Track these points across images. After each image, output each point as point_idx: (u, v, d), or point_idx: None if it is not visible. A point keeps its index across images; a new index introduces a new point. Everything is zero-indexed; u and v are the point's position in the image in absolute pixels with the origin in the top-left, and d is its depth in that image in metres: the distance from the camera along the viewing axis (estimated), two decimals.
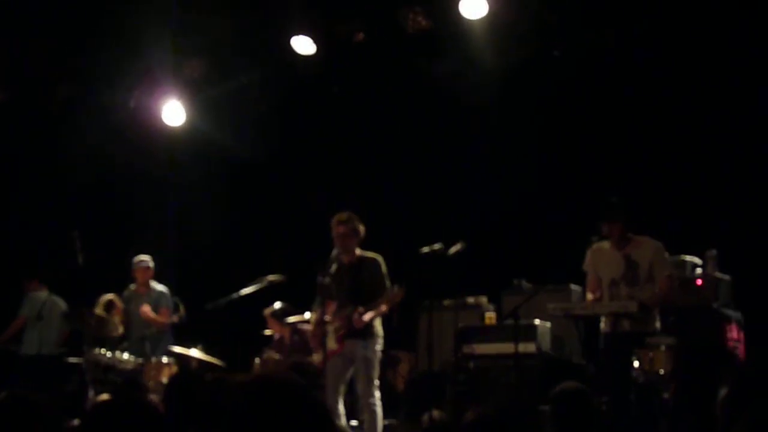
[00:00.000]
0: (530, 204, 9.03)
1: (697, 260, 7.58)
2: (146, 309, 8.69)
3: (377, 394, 7.10)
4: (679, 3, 8.11)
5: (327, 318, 7.11)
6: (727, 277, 7.46)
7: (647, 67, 8.54)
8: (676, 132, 8.34)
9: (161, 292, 8.93)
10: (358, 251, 7.23)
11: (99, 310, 8.57)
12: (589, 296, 6.76)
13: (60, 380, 8.84)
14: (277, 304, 9.05)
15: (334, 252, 7.19)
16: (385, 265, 7.17)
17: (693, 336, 6.57)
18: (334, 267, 7.17)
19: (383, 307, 7.06)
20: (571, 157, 8.91)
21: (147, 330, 8.59)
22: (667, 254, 6.63)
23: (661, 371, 6.08)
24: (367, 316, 6.99)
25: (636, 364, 6.23)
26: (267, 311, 9.05)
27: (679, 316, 6.86)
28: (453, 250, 7.08)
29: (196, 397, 4.38)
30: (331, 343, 7.11)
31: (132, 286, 8.99)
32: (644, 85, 8.54)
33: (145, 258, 8.94)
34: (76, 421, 5.79)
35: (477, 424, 4.42)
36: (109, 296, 8.73)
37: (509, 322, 6.83)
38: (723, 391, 3.35)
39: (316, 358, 7.16)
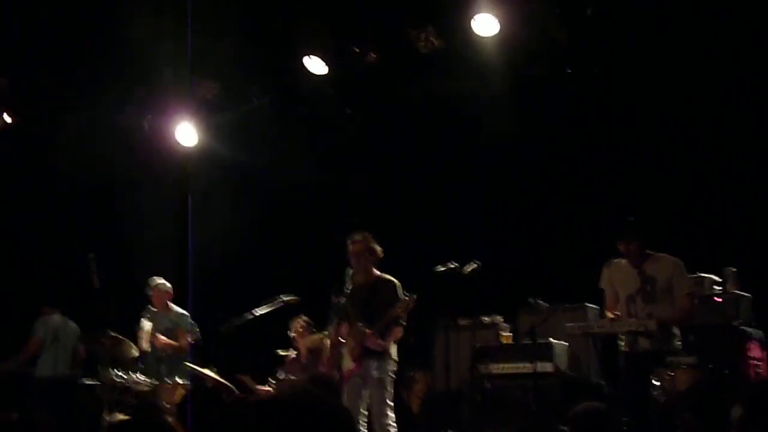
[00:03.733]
0: (545, 222, 8.99)
1: (716, 278, 7.52)
2: (161, 338, 8.68)
3: (391, 414, 7.06)
4: (691, 15, 8.07)
5: (342, 339, 7.07)
6: (747, 295, 7.40)
7: (662, 82, 8.51)
8: (694, 149, 8.29)
9: (181, 314, 8.94)
10: (375, 272, 7.20)
11: (145, 341, 8.62)
12: (608, 314, 6.70)
13: (75, 402, 8.82)
14: (300, 318, 8.98)
15: (350, 272, 7.16)
16: (402, 288, 7.13)
17: (714, 354, 6.49)
18: (349, 287, 7.14)
19: (398, 331, 7.03)
20: (586, 175, 8.87)
21: (164, 352, 8.58)
22: (685, 271, 6.57)
23: (682, 390, 6.01)
24: (380, 342, 6.96)
25: (656, 383, 6.16)
26: (295, 321, 8.94)
27: (699, 335, 6.80)
28: (468, 269, 7.06)
29: (214, 416, 4.36)
30: (348, 363, 7.07)
31: (150, 307, 8.99)
32: (660, 102, 8.51)
33: (161, 281, 8.96)
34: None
35: None
36: (146, 324, 8.75)
37: (527, 341, 6.77)
38: (737, 411, 3.31)
39: (332, 378, 7.10)
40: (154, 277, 8.99)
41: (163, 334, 8.73)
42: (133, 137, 10.41)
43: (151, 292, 8.94)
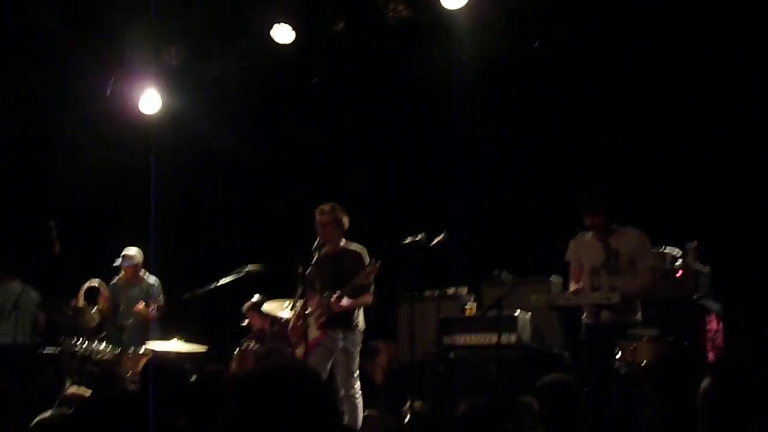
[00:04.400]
0: (511, 195, 9.03)
1: (677, 251, 7.62)
2: (141, 306, 8.61)
3: (357, 385, 7.10)
4: None
5: (309, 310, 7.07)
6: (706, 268, 7.51)
7: (627, 57, 8.54)
8: (657, 123, 8.35)
9: (152, 284, 8.88)
10: (342, 242, 7.20)
11: (81, 296, 8.50)
12: (573, 286, 6.78)
13: (35, 370, 8.72)
14: (255, 297, 9.00)
15: (317, 242, 7.15)
16: (368, 256, 7.14)
17: (674, 327, 6.59)
18: (316, 257, 7.13)
19: (366, 297, 7.05)
20: (552, 148, 8.91)
21: (127, 320, 8.51)
22: (650, 245, 6.65)
23: (644, 362, 6.10)
24: (345, 301, 6.96)
25: (618, 355, 6.25)
26: (246, 306, 8.99)
27: (659, 308, 6.90)
28: (435, 240, 7.07)
29: (176, 385, 4.36)
30: (313, 332, 7.08)
31: (121, 276, 8.91)
32: (625, 76, 8.55)
33: (131, 253, 8.87)
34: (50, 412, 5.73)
35: (470, 416, 4.43)
36: (94, 282, 8.66)
37: (492, 313, 6.82)
38: (704, 384, 3.38)
39: (299, 351, 7.11)
40: (127, 249, 8.90)
41: (134, 303, 8.66)
42: (96, 102, 10.22)
43: (120, 266, 8.86)
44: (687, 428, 4.04)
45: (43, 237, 8.43)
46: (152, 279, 8.96)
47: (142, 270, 9.02)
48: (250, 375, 2.08)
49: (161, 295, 8.82)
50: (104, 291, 8.72)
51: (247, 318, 9.13)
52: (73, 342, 8.12)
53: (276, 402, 2.00)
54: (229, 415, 2.05)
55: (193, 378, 4.19)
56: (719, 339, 7.29)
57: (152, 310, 8.68)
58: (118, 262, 8.91)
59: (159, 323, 8.85)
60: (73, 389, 6.58)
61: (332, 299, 6.98)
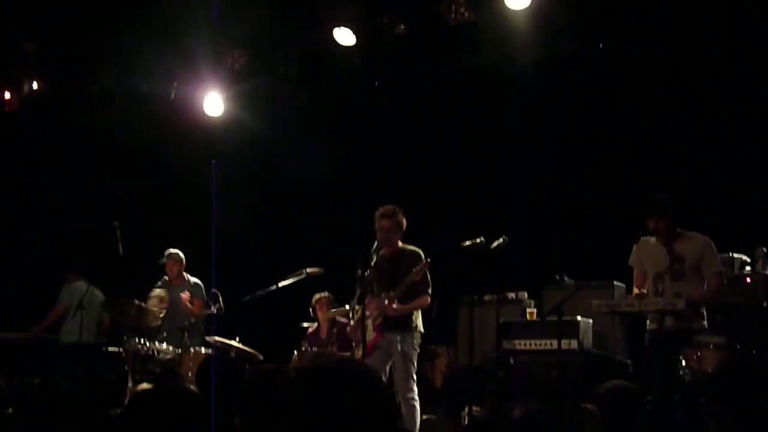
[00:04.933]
0: (573, 199, 8.91)
1: (745, 258, 7.43)
2: (185, 296, 8.79)
3: (415, 388, 7.03)
4: None
5: (368, 313, 7.04)
6: None
7: (693, 59, 8.36)
8: (725, 126, 8.16)
9: (195, 284, 9.05)
10: (399, 244, 7.17)
11: (153, 303, 8.66)
12: (636, 291, 6.63)
13: (99, 369, 8.88)
14: (322, 293, 8.99)
15: (376, 245, 7.12)
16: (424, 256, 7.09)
17: (743, 335, 6.41)
18: (374, 259, 7.11)
19: (423, 299, 7.00)
20: (616, 152, 8.76)
21: (186, 320, 8.62)
22: (716, 250, 6.48)
23: (709, 370, 5.94)
24: (396, 305, 6.92)
25: (683, 362, 6.09)
26: (318, 296, 8.96)
27: (727, 315, 6.72)
28: (495, 244, 6.99)
29: (235, 383, 4.37)
30: (370, 333, 7.05)
31: (166, 278, 9.05)
32: (691, 78, 8.37)
33: (175, 251, 9.03)
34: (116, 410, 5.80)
35: (524, 421, 4.34)
36: (158, 292, 8.83)
37: (553, 318, 6.71)
38: None
39: (358, 353, 7.09)
40: (170, 249, 9.04)
41: (178, 303, 8.79)
42: (160, 105, 10.38)
43: (164, 262, 9.00)
44: None
45: (107, 238, 8.57)
46: (194, 279, 9.12)
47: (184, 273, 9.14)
48: (310, 370, 2.05)
49: (220, 298, 8.87)
50: (165, 297, 8.88)
51: (315, 310, 9.09)
52: (136, 341, 8.24)
53: (335, 397, 1.97)
54: (289, 410, 2.02)
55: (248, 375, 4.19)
56: None
57: (213, 310, 8.73)
58: (163, 261, 9.04)
59: (219, 324, 8.92)
60: (143, 386, 6.67)
61: (385, 302, 6.95)
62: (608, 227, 8.10)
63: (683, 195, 6.81)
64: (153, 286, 9.05)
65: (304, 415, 1.98)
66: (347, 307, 8.38)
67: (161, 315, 8.73)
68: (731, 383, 4.02)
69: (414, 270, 6.86)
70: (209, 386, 4.51)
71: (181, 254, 9.12)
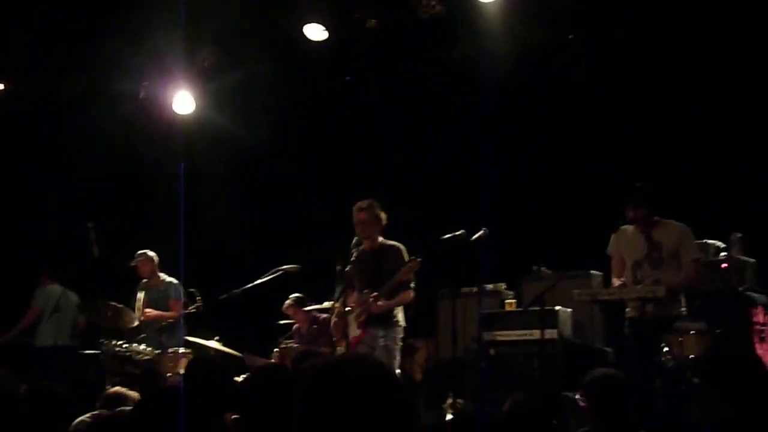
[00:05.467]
0: (549, 190, 8.96)
1: (720, 244, 7.52)
2: (148, 311, 8.65)
3: None
4: None
5: (348, 308, 7.03)
6: (752, 260, 7.41)
7: (664, 49, 8.45)
8: (698, 115, 8.25)
9: (170, 283, 8.91)
10: (380, 239, 7.16)
11: (137, 309, 8.62)
12: (615, 281, 6.69)
13: (76, 372, 8.79)
14: (294, 295, 8.98)
15: (355, 240, 7.12)
16: (407, 253, 7.10)
17: (720, 320, 6.49)
18: (354, 255, 7.10)
19: (407, 294, 7.00)
20: (591, 142, 8.83)
21: (159, 323, 8.54)
22: (693, 237, 6.55)
23: (691, 356, 6.01)
24: (382, 302, 6.92)
25: (665, 349, 6.16)
26: (288, 303, 8.97)
27: (704, 300, 6.81)
28: (475, 236, 7.02)
29: (220, 382, 4.34)
30: (354, 330, 7.05)
31: (145, 280, 8.96)
32: (665, 67, 8.45)
33: (143, 252, 8.90)
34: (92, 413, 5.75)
35: (516, 412, 4.37)
36: (140, 296, 8.73)
37: (534, 308, 6.75)
38: None
39: (340, 348, 7.09)
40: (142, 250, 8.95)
41: (154, 304, 8.70)
42: (130, 104, 10.27)
43: (134, 263, 8.90)
44: (739, 423, 3.97)
45: (82, 239, 8.48)
46: (170, 279, 8.96)
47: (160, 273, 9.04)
48: (327, 368, 2.02)
49: (198, 296, 8.81)
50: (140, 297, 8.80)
51: (289, 315, 9.09)
52: (113, 343, 8.16)
53: (357, 394, 1.95)
54: (305, 410, 1.99)
55: (247, 374, 4.16)
56: (766, 331, 7.18)
57: (191, 309, 8.65)
58: (133, 263, 8.94)
59: (198, 323, 8.87)
60: (113, 389, 6.61)
61: (370, 300, 6.93)
62: (584, 217, 8.16)
63: (659, 183, 6.87)
64: (133, 289, 8.94)
65: (323, 414, 1.96)
66: (326, 304, 8.40)
67: (142, 318, 8.64)
68: (723, 366, 4.07)
69: (402, 269, 6.86)
70: (198, 387, 4.47)
71: (151, 253, 8.95)
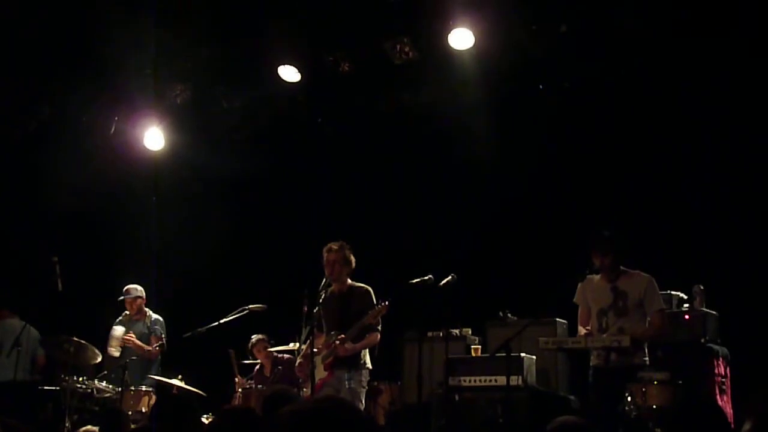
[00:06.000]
0: (516, 237, 9.04)
1: (683, 295, 7.63)
2: (131, 336, 8.59)
3: None
4: (667, 39, 8.18)
5: (316, 350, 7.01)
6: (713, 312, 7.52)
7: (633, 98, 8.62)
8: (663, 167, 8.42)
9: (156, 320, 8.87)
10: (348, 281, 7.18)
11: (113, 345, 8.53)
12: (581, 329, 6.75)
13: (35, 408, 8.64)
14: (258, 335, 8.98)
15: (324, 281, 7.13)
16: (375, 296, 7.11)
17: (682, 370, 6.57)
18: (323, 296, 7.10)
19: (373, 336, 7.01)
20: (558, 191, 8.95)
21: (129, 358, 8.44)
22: (657, 289, 6.64)
23: (654, 406, 6.07)
24: (349, 345, 6.92)
25: (628, 398, 6.21)
26: (254, 341, 8.95)
27: (667, 351, 6.88)
28: (443, 281, 7.05)
29: (190, 423, 4.30)
30: (321, 372, 7.03)
31: (127, 313, 8.87)
32: (632, 119, 8.62)
33: (133, 286, 8.86)
34: None
35: None
36: (118, 332, 8.63)
37: (501, 354, 6.77)
38: (746, 427, 3.35)
39: (306, 390, 7.05)
40: (129, 285, 8.88)
41: (138, 340, 8.63)
42: (100, 139, 10.23)
43: (123, 297, 8.84)
44: None
45: (46, 273, 8.38)
46: (155, 315, 8.92)
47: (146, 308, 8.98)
48: (306, 411, 2.04)
49: (164, 333, 8.76)
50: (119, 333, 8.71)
51: (254, 354, 9.06)
52: (73, 380, 8.04)
53: None
54: None
55: (215, 417, 4.13)
56: (727, 384, 7.27)
57: (155, 347, 8.63)
58: (122, 297, 8.87)
59: (160, 361, 8.80)
60: (84, 429, 6.53)
61: (337, 343, 6.93)
62: (550, 265, 8.24)
63: (625, 233, 6.97)
64: (97, 324, 8.84)
65: None
66: (291, 345, 8.38)
67: (118, 354, 8.54)
68: (687, 418, 4.11)
69: (369, 313, 6.87)
70: (166, 426, 4.43)
71: (140, 288, 8.92)
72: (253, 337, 9.05)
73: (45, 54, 9.35)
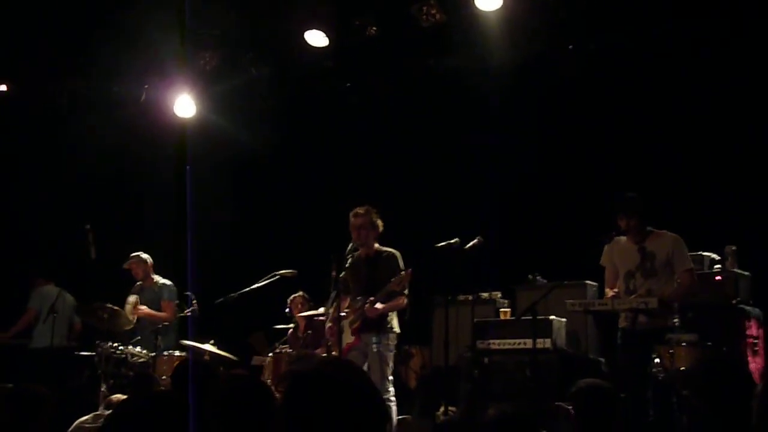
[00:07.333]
0: (544, 199, 8.98)
1: (715, 256, 7.52)
2: (141, 308, 8.68)
3: (391, 389, 7.05)
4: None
5: (343, 313, 7.05)
6: (746, 273, 7.41)
7: (663, 60, 8.47)
8: (694, 126, 8.26)
9: (163, 285, 8.94)
10: (375, 245, 7.18)
11: (128, 310, 8.61)
12: (608, 291, 6.70)
13: (72, 373, 8.81)
14: (299, 292, 9.03)
15: (351, 246, 7.14)
16: (402, 260, 7.12)
17: (713, 333, 6.49)
18: (350, 260, 7.11)
19: (400, 300, 7.01)
20: (586, 152, 8.84)
21: (147, 322, 8.57)
22: (686, 248, 6.56)
23: (682, 368, 6.01)
24: (379, 305, 6.93)
25: (656, 360, 6.17)
26: (293, 296, 9.01)
27: (698, 312, 6.81)
28: (469, 244, 7.04)
29: (211, 387, 4.35)
30: (348, 337, 7.06)
31: (138, 283, 8.98)
32: (661, 79, 8.47)
33: (136, 253, 8.94)
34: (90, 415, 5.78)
35: (499, 421, 4.37)
36: (132, 299, 8.75)
37: (527, 317, 6.76)
38: (759, 387, 3.32)
39: (335, 353, 7.10)
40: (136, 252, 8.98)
41: (148, 306, 8.73)
42: (130, 107, 10.31)
43: (127, 266, 8.92)
44: None
45: (79, 241, 8.50)
46: (163, 280, 8.98)
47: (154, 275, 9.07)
48: (307, 374, 2.07)
49: (194, 300, 8.83)
50: (137, 302, 8.81)
51: (292, 309, 9.11)
52: (108, 345, 8.18)
53: (332, 400, 2.00)
54: (284, 415, 2.04)
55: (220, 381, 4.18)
56: (760, 345, 7.18)
57: (187, 312, 8.69)
58: (126, 264, 8.96)
59: (194, 326, 8.88)
60: (117, 396, 6.63)
61: (366, 306, 6.94)
62: (580, 227, 8.16)
63: (654, 194, 6.90)
64: (128, 291, 8.96)
65: (301, 420, 2.01)
66: (321, 309, 8.43)
67: (134, 320, 8.66)
68: (712, 379, 4.07)
69: (393, 280, 6.86)
70: (185, 389, 4.49)
71: (144, 255, 8.97)
72: (292, 294, 9.09)
73: (74, 25, 9.42)
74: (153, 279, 8.97)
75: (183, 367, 5.02)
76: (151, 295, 8.87)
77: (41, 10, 9.18)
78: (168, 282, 8.97)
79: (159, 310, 8.82)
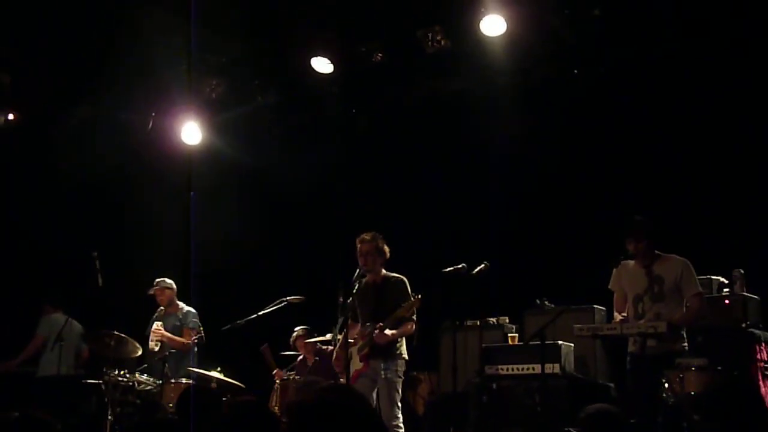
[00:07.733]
0: (552, 224, 8.97)
1: (723, 280, 7.50)
2: (166, 333, 8.65)
3: (400, 416, 7.00)
4: (700, 21, 8.04)
5: (351, 340, 7.02)
6: (755, 296, 7.38)
7: (669, 83, 8.49)
8: (702, 151, 8.27)
9: (187, 312, 8.90)
10: (383, 271, 7.17)
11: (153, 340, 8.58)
12: (617, 315, 6.68)
13: (79, 401, 8.78)
14: (301, 327, 9.04)
15: (358, 272, 7.12)
16: (410, 285, 7.10)
17: (723, 357, 6.46)
18: (357, 286, 7.09)
19: (409, 326, 6.98)
20: (594, 176, 8.85)
21: (168, 351, 8.53)
22: (694, 272, 6.53)
23: (692, 392, 5.98)
24: (388, 332, 6.90)
25: (666, 385, 6.13)
26: (297, 334, 9.03)
27: (707, 336, 6.77)
28: (476, 270, 7.02)
29: (212, 413, 4.34)
30: (356, 363, 7.03)
31: (162, 309, 8.95)
32: (668, 102, 8.49)
33: (162, 279, 8.93)
34: None
35: None
36: (155, 326, 8.72)
37: (535, 342, 6.73)
38: None
39: (342, 380, 7.06)
40: (161, 278, 8.96)
41: (171, 333, 8.70)
42: (137, 135, 10.37)
43: (152, 292, 8.92)
44: None
45: (86, 269, 8.51)
46: (187, 307, 8.96)
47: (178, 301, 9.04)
48: (310, 401, 2.06)
49: (200, 325, 8.82)
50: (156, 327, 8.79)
51: (297, 347, 9.14)
52: (116, 373, 8.16)
53: (334, 427, 1.99)
54: None
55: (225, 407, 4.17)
56: None
57: (193, 339, 8.67)
58: (151, 291, 8.95)
59: (199, 354, 8.86)
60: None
61: (376, 332, 6.91)
62: (587, 251, 8.16)
63: (661, 218, 6.88)
64: (138, 318, 8.92)
65: None
66: (329, 336, 8.40)
67: (157, 348, 8.61)
68: (723, 403, 4.04)
69: (402, 306, 6.84)
70: (188, 416, 4.47)
71: (169, 281, 8.94)
72: (295, 329, 9.10)
73: (83, 52, 9.49)
74: (178, 305, 8.95)
75: (186, 394, 5.00)
76: (175, 322, 8.84)
77: (50, 38, 9.24)
78: (192, 309, 8.95)
79: (180, 336, 8.79)
